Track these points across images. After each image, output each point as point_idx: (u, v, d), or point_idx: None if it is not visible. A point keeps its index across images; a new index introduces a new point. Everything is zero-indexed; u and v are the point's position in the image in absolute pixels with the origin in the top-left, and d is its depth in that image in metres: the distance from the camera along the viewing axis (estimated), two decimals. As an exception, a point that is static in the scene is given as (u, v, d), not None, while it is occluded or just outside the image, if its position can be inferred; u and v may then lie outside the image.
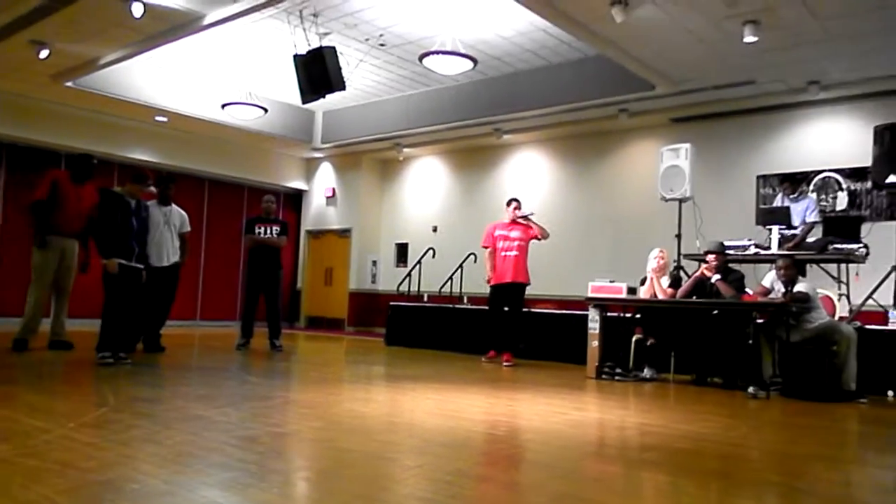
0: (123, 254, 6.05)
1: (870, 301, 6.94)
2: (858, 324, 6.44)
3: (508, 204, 8.24)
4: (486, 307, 8.31)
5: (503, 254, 7.98)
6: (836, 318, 6.70)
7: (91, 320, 7.15)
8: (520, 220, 8.09)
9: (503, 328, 7.99)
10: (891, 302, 6.84)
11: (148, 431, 3.41)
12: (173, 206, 7.43)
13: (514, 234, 8.03)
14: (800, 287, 6.06)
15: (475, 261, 10.80)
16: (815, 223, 7.66)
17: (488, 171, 12.75)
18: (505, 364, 7.74)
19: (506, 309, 7.99)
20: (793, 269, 6.18)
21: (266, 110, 11.42)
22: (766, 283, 6.33)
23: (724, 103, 9.65)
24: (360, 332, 13.52)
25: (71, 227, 6.91)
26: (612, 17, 6.78)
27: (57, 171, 7.57)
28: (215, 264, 13.61)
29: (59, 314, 7.10)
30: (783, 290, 6.14)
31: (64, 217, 6.86)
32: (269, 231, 8.28)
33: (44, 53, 8.80)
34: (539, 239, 8.09)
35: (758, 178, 9.74)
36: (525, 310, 8.26)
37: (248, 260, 8.51)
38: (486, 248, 8.18)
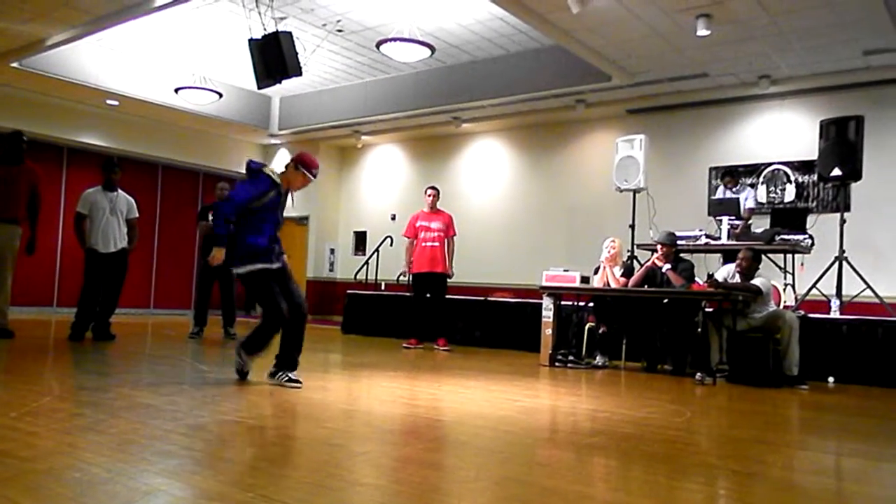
0: (259, 257, 4.68)
1: (814, 290, 7.16)
2: (802, 312, 6.62)
3: (426, 192, 8.30)
4: (410, 295, 8.40)
5: (424, 244, 8.06)
6: (782, 306, 6.88)
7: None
8: (439, 210, 8.19)
9: (432, 316, 8.11)
10: (833, 292, 7.05)
11: (91, 420, 3.35)
12: (119, 191, 7.29)
13: (435, 224, 8.09)
14: (756, 282, 6.19)
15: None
16: (752, 209, 7.94)
17: (447, 159, 12.75)
18: (443, 349, 7.90)
19: (428, 296, 8.12)
20: (750, 263, 6.26)
21: (221, 95, 11.22)
22: (720, 276, 6.39)
23: (678, 95, 9.81)
24: (318, 320, 13.42)
25: (4, 211, 6.68)
26: (569, 7, 6.82)
27: None
28: (169, 252, 13.36)
29: None
30: (739, 282, 6.25)
31: None
32: (222, 218, 8.15)
33: (-13, 32, 8.52)
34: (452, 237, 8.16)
35: (710, 169, 9.93)
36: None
37: (202, 247, 8.40)
38: (407, 237, 8.23)
